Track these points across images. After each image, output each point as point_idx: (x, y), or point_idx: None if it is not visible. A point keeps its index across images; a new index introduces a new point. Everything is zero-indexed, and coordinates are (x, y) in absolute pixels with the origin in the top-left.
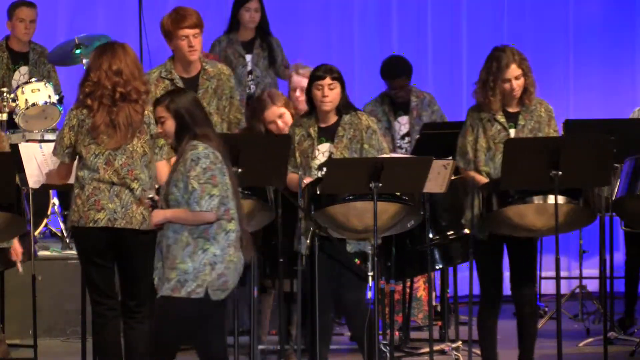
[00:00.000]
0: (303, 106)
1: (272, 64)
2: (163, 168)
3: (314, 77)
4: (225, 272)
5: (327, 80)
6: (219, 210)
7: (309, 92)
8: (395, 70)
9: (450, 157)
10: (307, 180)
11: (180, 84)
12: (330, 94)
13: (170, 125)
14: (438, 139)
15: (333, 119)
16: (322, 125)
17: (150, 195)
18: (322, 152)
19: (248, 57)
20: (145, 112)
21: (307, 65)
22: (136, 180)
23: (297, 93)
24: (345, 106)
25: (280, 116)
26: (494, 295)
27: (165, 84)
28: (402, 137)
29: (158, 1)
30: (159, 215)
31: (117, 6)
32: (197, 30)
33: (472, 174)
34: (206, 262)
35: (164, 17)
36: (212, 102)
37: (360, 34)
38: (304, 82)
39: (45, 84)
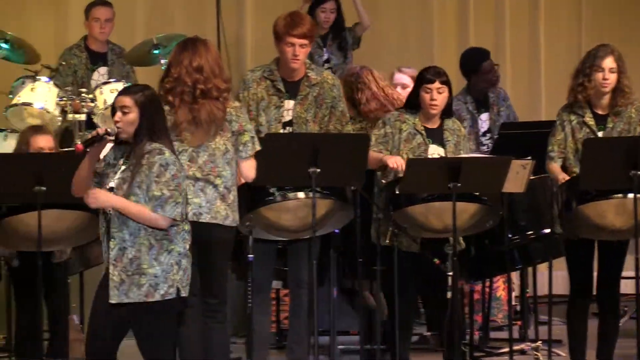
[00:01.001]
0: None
1: (344, 54)
2: (250, 165)
3: (424, 79)
4: (188, 267)
5: (437, 84)
6: (178, 217)
7: (415, 91)
8: (479, 55)
9: (529, 157)
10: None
11: (281, 87)
12: (438, 97)
13: (133, 118)
14: (517, 139)
15: (437, 122)
16: (428, 126)
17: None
18: (431, 154)
19: (324, 50)
20: (227, 109)
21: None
22: (219, 177)
23: (399, 89)
24: (447, 110)
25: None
26: (584, 293)
27: (267, 84)
28: (484, 134)
29: (236, 1)
30: (106, 197)
31: (195, 6)
32: (305, 41)
33: (556, 171)
34: (173, 262)
35: (279, 16)
36: (310, 110)
37: (440, 33)
38: (405, 79)
39: (124, 84)
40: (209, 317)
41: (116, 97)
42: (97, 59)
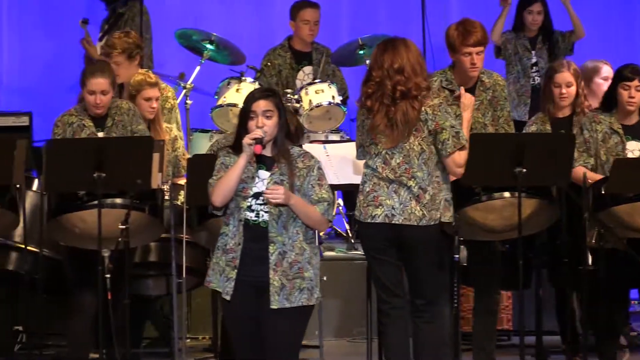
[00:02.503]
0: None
1: (553, 58)
2: (452, 162)
3: (622, 77)
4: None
5: (635, 82)
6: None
7: (611, 88)
8: None
9: None
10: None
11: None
12: (637, 95)
13: (276, 122)
14: None
15: (635, 118)
16: (625, 123)
17: (257, 136)
18: (631, 150)
19: (532, 53)
20: (423, 108)
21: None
22: (413, 178)
23: (601, 81)
24: None
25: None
26: None
27: (446, 94)
28: None
29: (442, 1)
30: (288, 195)
31: (399, 6)
32: (480, 48)
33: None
34: (318, 266)
35: (450, 26)
36: (487, 114)
37: None
38: (611, 73)
39: (329, 84)
40: (417, 317)
41: (253, 102)
42: (301, 59)
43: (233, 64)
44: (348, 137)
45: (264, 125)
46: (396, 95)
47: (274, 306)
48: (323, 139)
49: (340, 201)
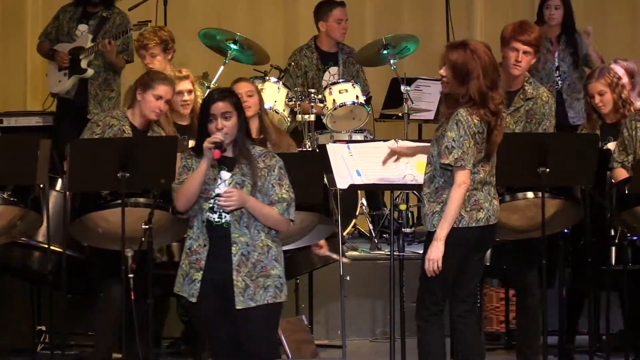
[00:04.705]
0: None
1: (575, 61)
2: None
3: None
4: None
5: None
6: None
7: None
8: None
9: None
10: None
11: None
12: None
13: (235, 122)
14: None
15: None
16: None
17: (217, 140)
18: None
19: (555, 55)
20: None
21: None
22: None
23: None
24: None
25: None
26: None
27: None
28: None
29: (465, 1)
30: (243, 198)
31: (424, 6)
32: (529, 49)
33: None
34: (284, 263)
35: (510, 23)
36: (519, 123)
37: None
38: (618, 71)
39: (352, 84)
40: (465, 317)
41: (211, 104)
42: (327, 59)
43: (257, 64)
44: (372, 136)
45: (224, 127)
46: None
47: (238, 307)
48: (347, 138)
49: (364, 201)
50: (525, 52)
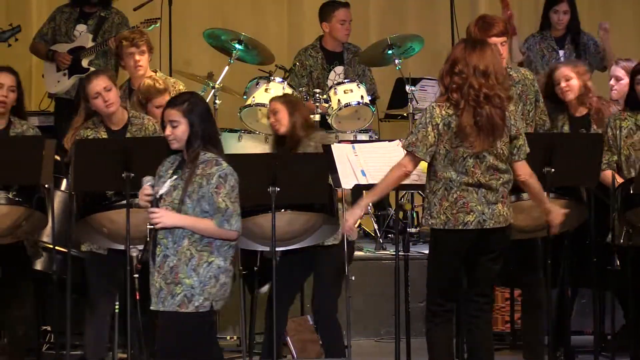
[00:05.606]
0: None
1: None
2: (522, 166)
3: (635, 72)
4: (227, 282)
5: None
6: (240, 230)
7: (630, 87)
8: None
9: None
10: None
11: None
12: None
13: (183, 130)
14: None
15: None
16: None
17: (149, 192)
18: None
19: (561, 52)
20: (506, 113)
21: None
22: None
23: (612, 82)
24: None
25: None
26: None
27: None
28: None
29: (470, 0)
30: (172, 218)
31: (428, 5)
32: (504, 38)
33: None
34: (211, 275)
35: (469, 24)
36: (517, 108)
37: None
38: (618, 71)
39: (357, 84)
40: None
41: (163, 111)
42: (332, 59)
43: (261, 64)
44: (377, 136)
45: (170, 134)
46: (480, 98)
47: (152, 307)
48: (352, 138)
49: None
50: (502, 44)
